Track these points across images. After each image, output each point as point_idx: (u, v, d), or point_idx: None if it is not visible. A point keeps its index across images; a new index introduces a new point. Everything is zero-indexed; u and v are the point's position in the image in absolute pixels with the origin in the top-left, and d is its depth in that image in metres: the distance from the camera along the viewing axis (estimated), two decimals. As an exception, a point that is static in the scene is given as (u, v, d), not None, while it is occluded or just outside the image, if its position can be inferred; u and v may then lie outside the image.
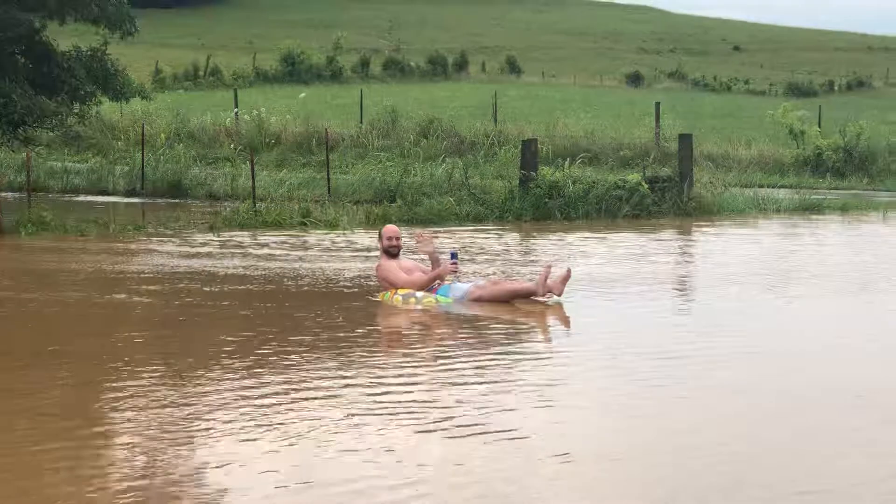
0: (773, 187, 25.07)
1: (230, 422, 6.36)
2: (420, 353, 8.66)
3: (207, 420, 6.39)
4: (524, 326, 9.91)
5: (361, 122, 34.02)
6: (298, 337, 8.94)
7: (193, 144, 30.09)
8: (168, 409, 6.61)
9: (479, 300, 10.66)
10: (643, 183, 21.01)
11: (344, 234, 17.26)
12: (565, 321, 10.19)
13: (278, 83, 57.02)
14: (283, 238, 16.55)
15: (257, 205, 19.37)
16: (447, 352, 8.64)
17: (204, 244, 15.69)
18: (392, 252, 11.06)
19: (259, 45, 72.82)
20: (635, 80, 76.11)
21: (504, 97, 43.42)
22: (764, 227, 19.96)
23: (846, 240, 18.61)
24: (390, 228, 11.30)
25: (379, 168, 22.78)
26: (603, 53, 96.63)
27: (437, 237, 12.53)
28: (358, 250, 15.11)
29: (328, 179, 22.55)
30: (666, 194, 21.26)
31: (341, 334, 9.14)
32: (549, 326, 10.07)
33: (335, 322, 9.74)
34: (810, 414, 6.84)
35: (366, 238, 16.31)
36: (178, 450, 5.88)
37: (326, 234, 17.13)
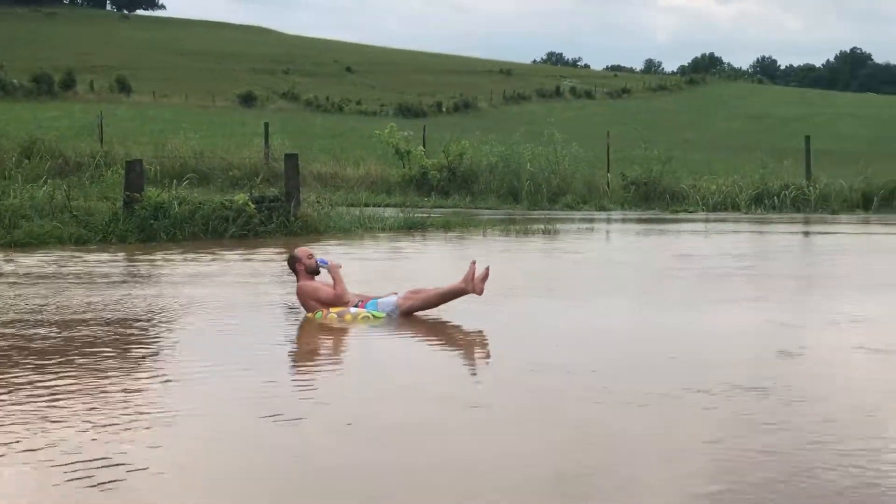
0: (379, 206, 25.75)
1: None
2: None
3: None
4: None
5: (-43, 144, 32.50)
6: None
7: None
8: None
9: (410, 311, 10.51)
10: (249, 203, 21.17)
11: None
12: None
13: None
14: None
15: None
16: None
17: None
18: (316, 271, 10.77)
19: None
20: (248, 100, 76.56)
21: (112, 117, 42.71)
22: (367, 245, 20.49)
23: (446, 254, 19.37)
24: (305, 249, 10.98)
25: (-25, 191, 21.82)
26: (217, 74, 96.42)
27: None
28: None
29: (-84, 204, 21.41)
30: (273, 214, 21.51)
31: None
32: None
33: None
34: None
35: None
36: None
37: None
